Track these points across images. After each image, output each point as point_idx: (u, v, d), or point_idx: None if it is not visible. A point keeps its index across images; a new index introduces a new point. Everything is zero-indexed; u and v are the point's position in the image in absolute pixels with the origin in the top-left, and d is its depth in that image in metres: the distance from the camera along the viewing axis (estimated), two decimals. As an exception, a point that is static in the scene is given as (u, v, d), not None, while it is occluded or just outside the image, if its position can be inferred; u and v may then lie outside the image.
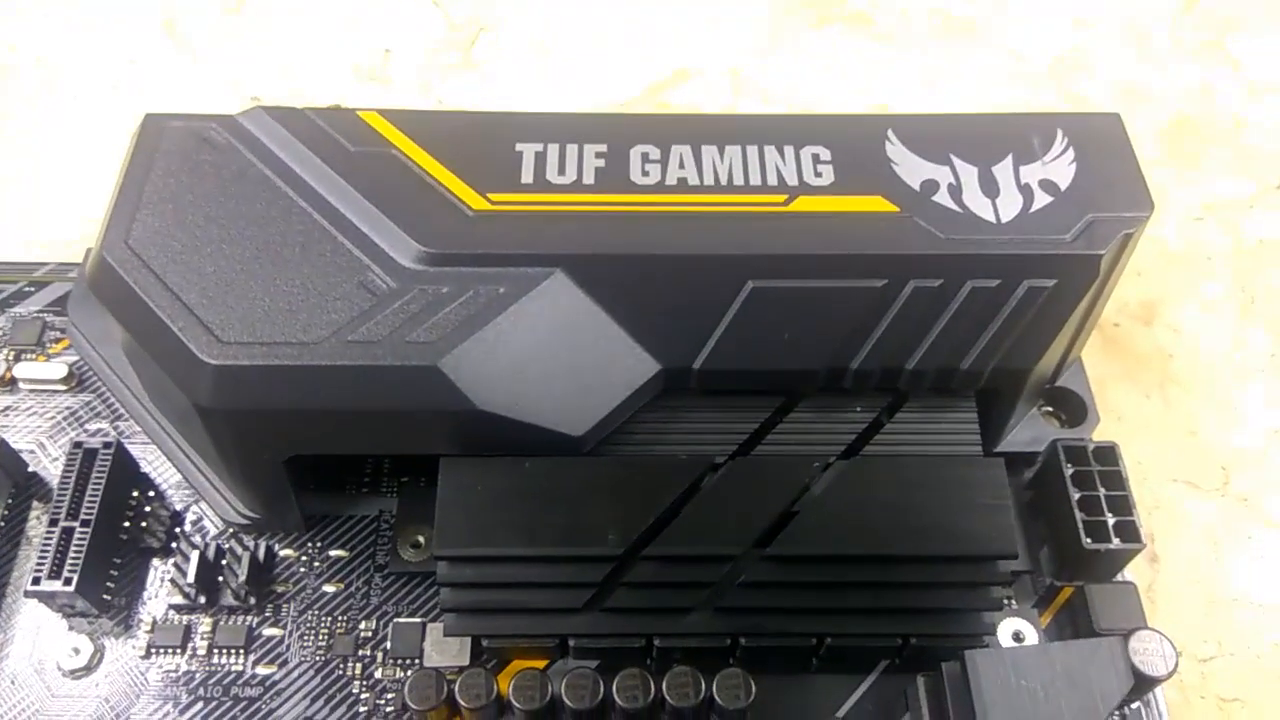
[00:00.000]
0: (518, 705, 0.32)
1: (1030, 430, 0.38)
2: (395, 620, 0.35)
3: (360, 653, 0.34)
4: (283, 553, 0.36)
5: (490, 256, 0.32)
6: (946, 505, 0.32)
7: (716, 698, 0.32)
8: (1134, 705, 0.34)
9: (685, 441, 0.34)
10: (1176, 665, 0.32)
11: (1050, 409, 0.39)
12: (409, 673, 0.33)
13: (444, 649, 0.34)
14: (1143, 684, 0.32)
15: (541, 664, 0.34)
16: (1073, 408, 0.39)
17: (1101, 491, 0.35)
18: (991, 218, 0.33)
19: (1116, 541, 0.34)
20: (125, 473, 0.37)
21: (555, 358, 0.32)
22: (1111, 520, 0.34)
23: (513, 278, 0.32)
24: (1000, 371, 0.34)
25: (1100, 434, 0.38)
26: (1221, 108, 0.54)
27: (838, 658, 0.34)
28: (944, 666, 0.32)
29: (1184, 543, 0.40)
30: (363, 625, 0.35)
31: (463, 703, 0.32)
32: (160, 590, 0.36)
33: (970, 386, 0.34)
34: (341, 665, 0.34)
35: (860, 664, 0.34)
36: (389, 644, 0.35)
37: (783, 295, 0.33)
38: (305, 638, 0.35)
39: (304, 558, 0.36)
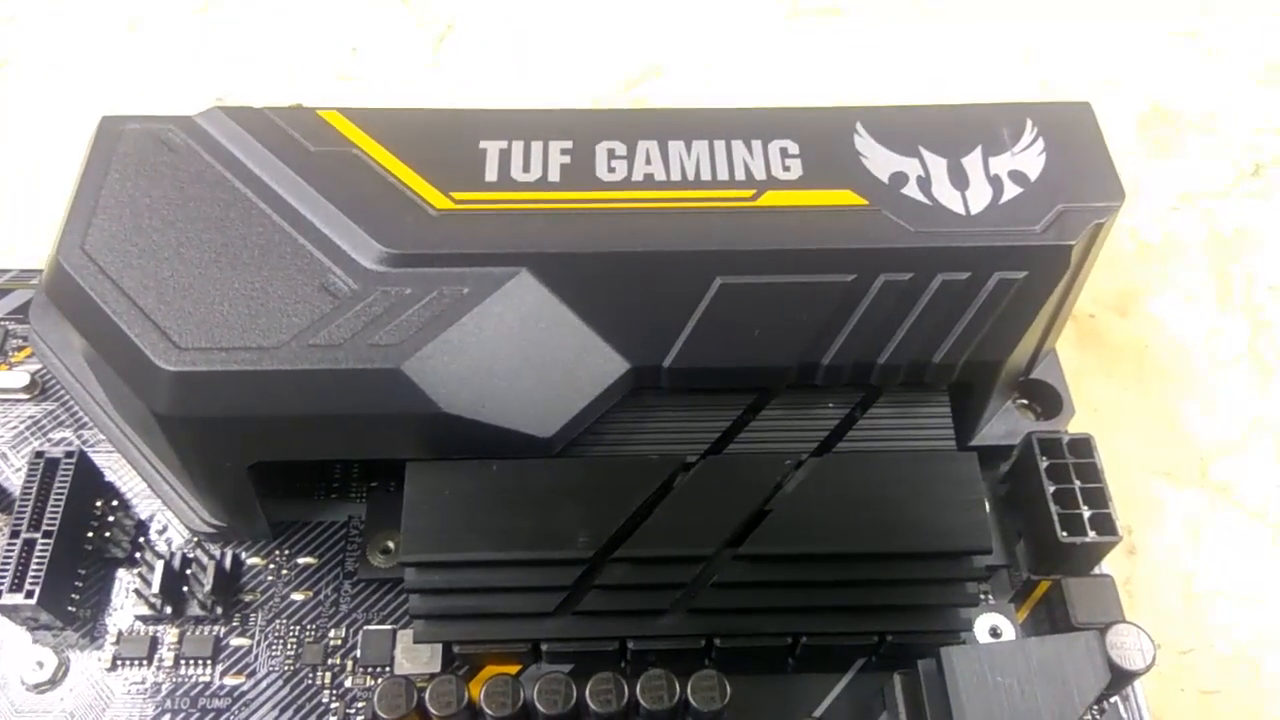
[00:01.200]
0: (489, 712, 0.32)
1: (1005, 423, 0.37)
2: (365, 628, 0.34)
3: (330, 661, 0.34)
4: (250, 561, 0.36)
5: (454, 256, 0.32)
6: (919, 501, 0.31)
7: (691, 700, 0.32)
8: (1113, 699, 0.34)
9: (656, 441, 0.34)
10: (1154, 659, 0.31)
11: (1025, 402, 0.39)
12: (379, 681, 0.32)
13: (414, 656, 0.34)
14: (1120, 678, 0.31)
15: (514, 669, 0.34)
16: (1048, 400, 0.38)
17: (1077, 484, 0.34)
18: (961, 210, 0.33)
19: (1092, 534, 0.34)
20: (89, 482, 0.36)
21: (522, 358, 0.32)
22: (1087, 513, 0.34)
23: (477, 278, 0.31)
24: (973, 364, 0.33)
25: (1076, 426, 0.37)
26: (1197, 95, 0.54)
27: (814, 657, 0.33)
28: (920, 664, 0.31)
29: (1162, 534, 0.40)
30: (332, 633, 0.34)
31: (433, 711, 0.31)
32: (126, 601, 0.35)
33: (943, 380, 0.34)
34: (311, 674, 0.34)
35: (837, 663, 0.34)
36: (359, 652, 0.34)
37: (752, 291, 0.32)
38: (274, 647, 0.34)
39: (272, 566, 0.36)
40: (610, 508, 0.31)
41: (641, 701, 0.31)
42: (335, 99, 0.51)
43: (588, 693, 0.31)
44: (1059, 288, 0.33)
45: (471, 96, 0.52)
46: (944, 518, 0.31)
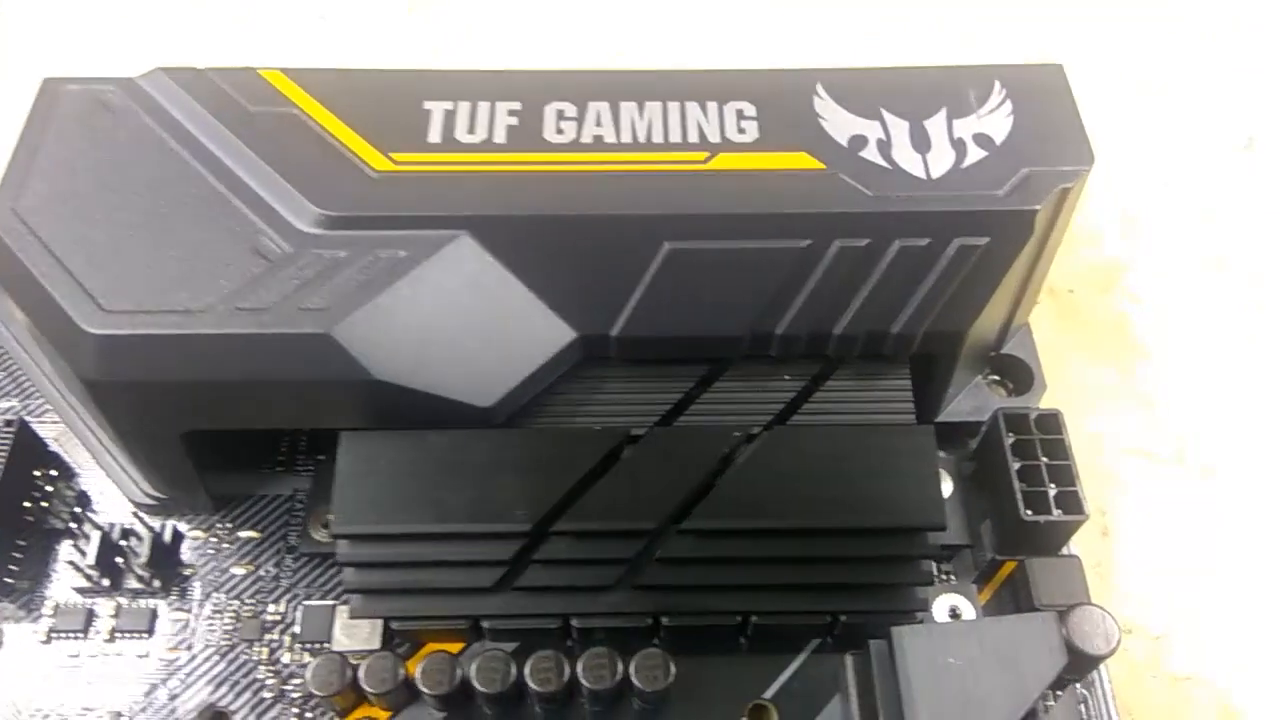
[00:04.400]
0: (426, 690, 0.31)
1: (973, 399, 0.36)
2: (305, 603, 0.33)
3: (267, 637, 0.33)
4: (191, 534, 0.35)
5: (392, 219, 0.31)
6: (872, 475, 0.30)
7: (635, 679, 0.30)
8: (1079, 687, 0.33)
9: (604, 414, 0.33)
10: (1119, 643, 0.30)
11: (996, 378, 0.38)
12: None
13: (354, 633, 0.33)
14: (1082, 662, 0.30)
15: (457, 648, 0.33)
16: (1019, 375, 0.37)
17: (1043, 461, 0.33)
18: (921, 174, 0.32)
19: (1058, 513, 0.32)
20: (29, 452, 0.35)
21: (461, 325, 0.31)
22: (1053, 491, 0.33)
23: (415, 241, 0.30)
24: (934, 335, 0.32)
25: (1053, 405, 0.36)
26: (1187, 67, 0.52)
27: (766, 637, 0.32)
28: (871, 644, 0.30)
29: (1138, 517, 0.39)
30: (271, 609, 0.33)
31: (368, 688, 0.30)
32: (65, 573, 0.34)
33: (903, 351, 0.33)
34: (247, 649, 0.33)
35: (789, 644, 0.33)
36: (298, 628, 0.33)
37: (702, 257, 0.31)
38: (212, 621, 0.33)
39: (213, 539, 0.35)
40: (551, 480, 0.30)
41: (583, 680, 0.30)
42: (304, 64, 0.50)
43: (527, 671, 0.30)
44: (1024, 255, 0.32)
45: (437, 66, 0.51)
46: (897, 492, 0.30)
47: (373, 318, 0.29)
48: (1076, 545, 0.35)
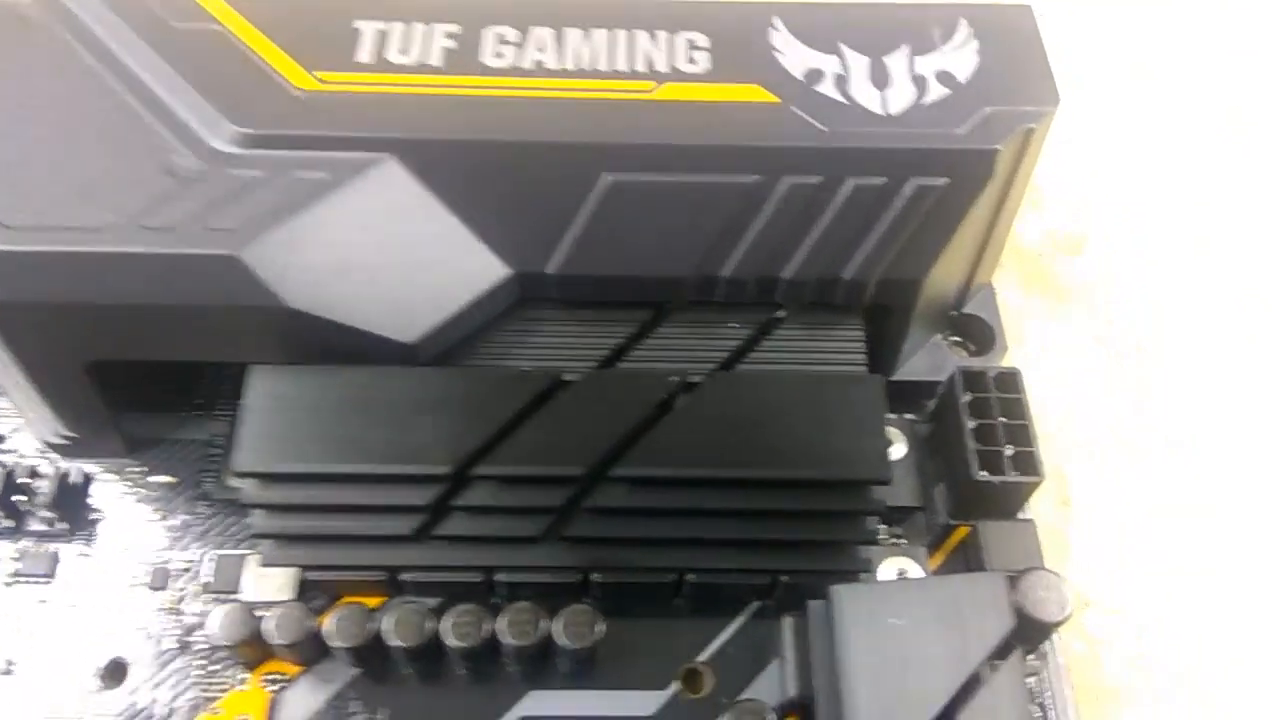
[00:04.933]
0: (339, 643, 0.29)
1: (931, 358, 0.35)
2: (215, 552, 0.31)
3: (174, 585, 0.31)
4: (101, 476, 0.33)
5: (312, 139, 0.29)
6: (814, 425, 0.28)
7: (560, 636, 0.29)
8: (1030, 656, 0.31)
9: (540, 357, 0.31)
10: (1071, 611, 0.29)
11: (957, 339, 0.36)
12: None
13: (265, 584, 0.31)
14: (1033, 629, 0.29)
15: (376, 601, 0.31)
16: (980, 335, 0.35)
17: (1000, 420, 0.31)
18: (879, 110, 0.30)
19: (1013, 474, 0.31)
20: (-65, 387, 0.33)
21: (384, 255, 0.29)
22: (1009, 451, 0.31)
23: (336, 163, 0.29)
24: (889, 283, 0.30)
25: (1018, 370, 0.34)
26: (1176, 43, 0.50)
27: (703, 597, 0.30)
28: (810, 604, 0.28)
29: (1101, 487, 0.37)
30: (181, 556, 0.32)
31: (275, 639, 0.29)
32: (-33, 515, 0.32)
33: (856, 299, 0.31)
34: (153, 598, 0.31)
35: (727, 606, 0.31)
36: (208, 577, 0.31)
37: (644, 191, 0.29)
38: (117, 567, 0.31)
39: (125, 483, 0.33)
40: (475, 422, 0.28)
41: (505, 637, 0.29)
42: None
43: (447, 626, 0.29)
44: (985, 200, 0.30)
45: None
46: (840, 443, 0.28)
47: (286, 242, 0.28)
48: (1035, 515, 0.33)
